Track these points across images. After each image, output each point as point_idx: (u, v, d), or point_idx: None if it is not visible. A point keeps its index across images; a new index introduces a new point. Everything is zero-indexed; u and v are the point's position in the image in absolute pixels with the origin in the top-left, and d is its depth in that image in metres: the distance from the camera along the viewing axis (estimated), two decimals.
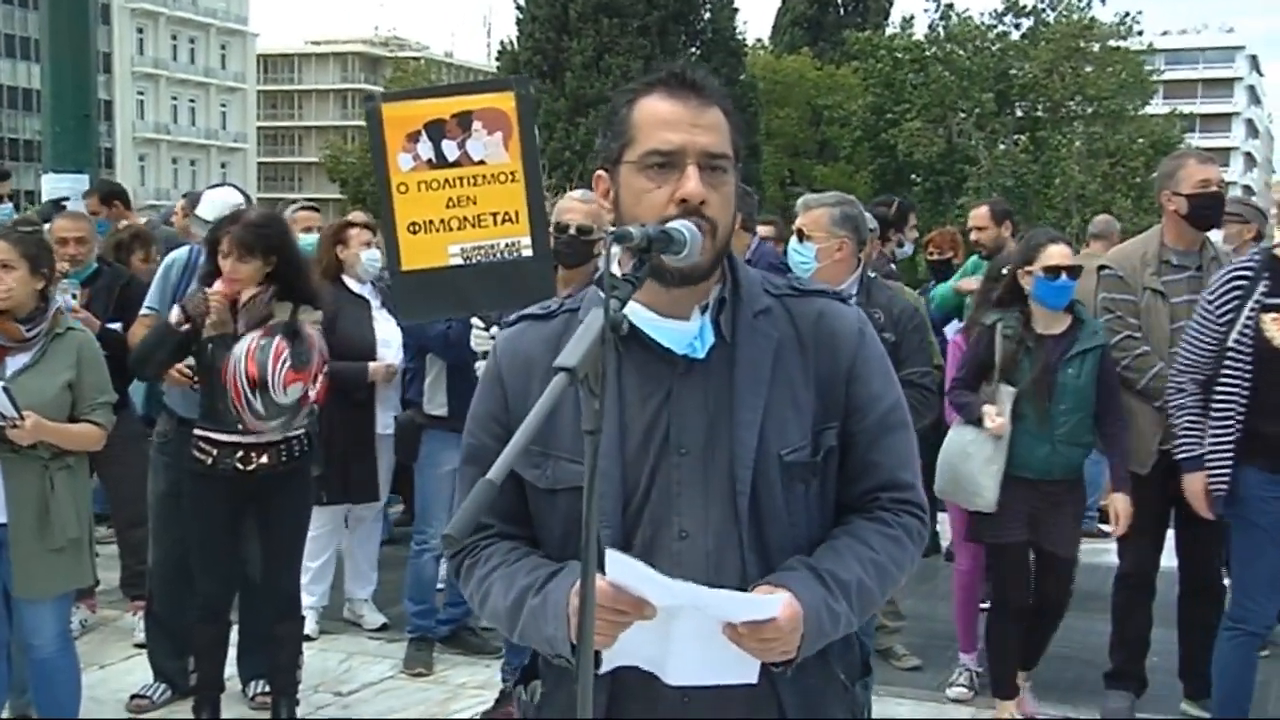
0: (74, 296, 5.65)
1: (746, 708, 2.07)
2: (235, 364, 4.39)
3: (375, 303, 6.09)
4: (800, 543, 2.08)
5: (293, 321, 4.55)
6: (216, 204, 5.39)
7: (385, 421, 6.11)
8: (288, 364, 4.40)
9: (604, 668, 2.00)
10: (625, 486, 2.07)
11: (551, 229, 4.98)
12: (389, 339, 6.00)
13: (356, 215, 6.84)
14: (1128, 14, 39.08)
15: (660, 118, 2.05)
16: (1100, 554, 6.65)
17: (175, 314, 4.64)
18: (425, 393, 5.68)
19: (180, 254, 5.49)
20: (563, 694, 2.08)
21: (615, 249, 1.93)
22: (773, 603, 1.93)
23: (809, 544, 2.09)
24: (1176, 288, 5.14)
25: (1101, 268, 5.34)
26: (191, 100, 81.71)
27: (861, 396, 2.14)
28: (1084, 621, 5.90)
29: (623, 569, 1.87)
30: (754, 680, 1.99)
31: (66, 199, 7.94)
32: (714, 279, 2.11)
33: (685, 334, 2.08)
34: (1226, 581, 5.04)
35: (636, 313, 2.06)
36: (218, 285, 4.61)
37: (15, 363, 4.32)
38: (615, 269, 1.93)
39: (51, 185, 8.34)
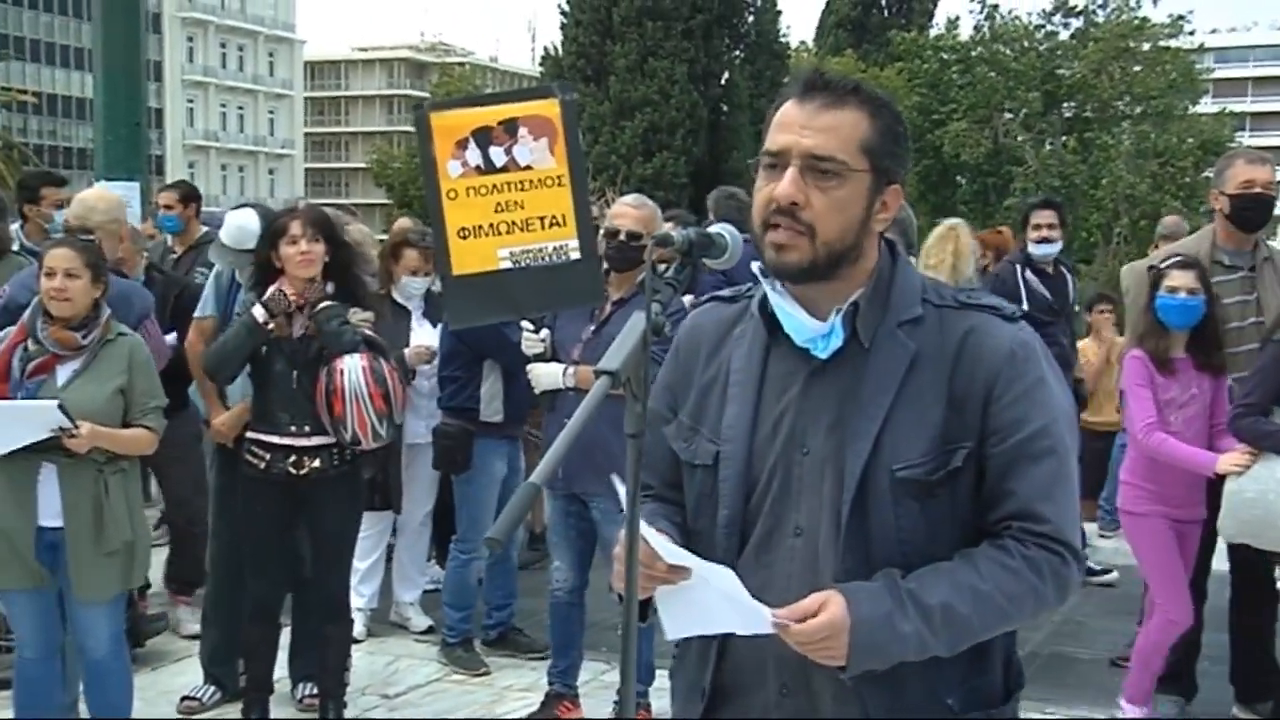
0: None
1: (833, 708, 2.06)
2: (355, 391, 4.52)
3: (417, 314, 6.13)
4: (915, 561, 2.02)
5: (371, 337, 4.70)
6: (236, 231, 5.27)
7: (417, 430, 6.02)
8: (398, 384, 4.72)
9: (669, 636, 2.12)
10: (749, 475, 2.11)
11: (602, 234, 5.01)
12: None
13: (403, 222, 6.87)
14: (1180, 17, 38.58)
15: (779, 119, 2.07)
16: None
17: (260, 313, 4.62)
18: (482, 399, 5.68)
19: None
20: (690, 654, 2.22)
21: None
22: (763, 617, 1.93)
23: (926, 563, 2.02)
24: (1229, 288, 5.08)
25: (1151, 268, 5.25)
26: (240, 107, 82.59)
27: (1001, 419, 2.04)
28: (1120, 624, 5.82)
29: (655, 539, 1.98)
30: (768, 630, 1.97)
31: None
32: (854, 281, 2.08)
33: (812, 330, 2.08)
34: None
35: (779, 295, 2.09)
36: (284, 284, 4.64)
37: (66, 370, 4.39)
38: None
39: None
